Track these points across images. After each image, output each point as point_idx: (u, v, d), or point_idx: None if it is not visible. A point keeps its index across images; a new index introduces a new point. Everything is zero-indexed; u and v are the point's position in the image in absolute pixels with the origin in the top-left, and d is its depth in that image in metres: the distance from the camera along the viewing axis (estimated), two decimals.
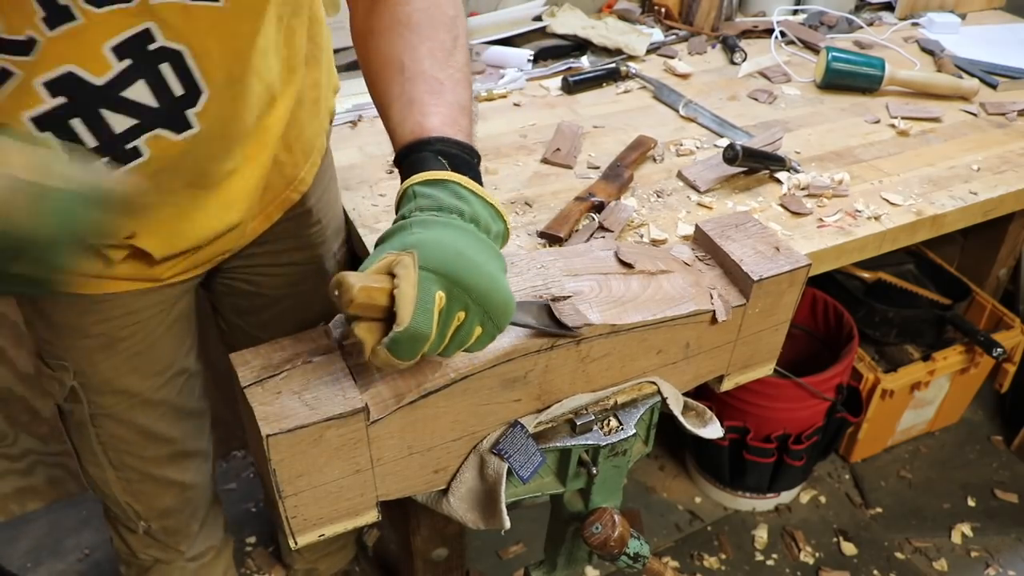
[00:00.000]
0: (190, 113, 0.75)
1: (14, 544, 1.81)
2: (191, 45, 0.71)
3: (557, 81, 1.57)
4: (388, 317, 0.63)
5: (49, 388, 1.04)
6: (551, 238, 1.10)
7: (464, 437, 0.81)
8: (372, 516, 0.80)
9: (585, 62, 1.65)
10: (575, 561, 1.07)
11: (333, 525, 0.78)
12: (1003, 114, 1.53)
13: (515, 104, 1.50)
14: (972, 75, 1.65)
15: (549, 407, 0.84)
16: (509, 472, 0.81)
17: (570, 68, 1.62)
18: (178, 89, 0.73)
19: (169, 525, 1.19)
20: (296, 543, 0.77)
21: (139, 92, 0.71)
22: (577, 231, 1.11)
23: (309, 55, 0.93)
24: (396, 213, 0.71)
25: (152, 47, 0.69)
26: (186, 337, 1.08)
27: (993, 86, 1.63)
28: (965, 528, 1.88)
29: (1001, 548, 1.85)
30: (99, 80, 0.69)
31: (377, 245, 0.68)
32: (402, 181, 0.72)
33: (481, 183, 0.72)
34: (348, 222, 1.18)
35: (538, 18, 1.75)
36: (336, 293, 0.61)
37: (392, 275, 0.63)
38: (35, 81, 0.66)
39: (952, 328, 1.89)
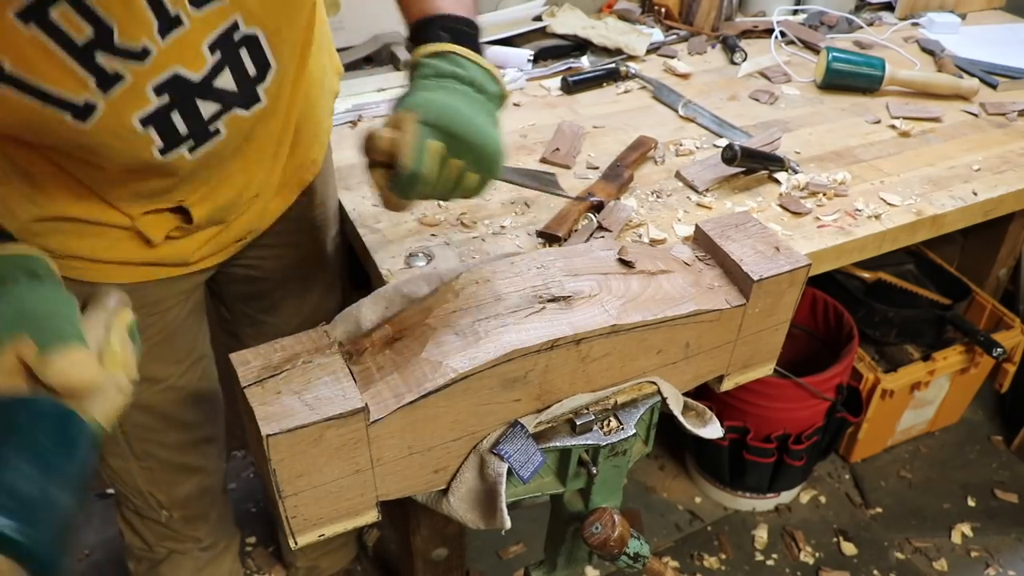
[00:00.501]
0: (260, 89, 0.81)
1: None
2: (265, 27, 0.77)
3: (557, 81, 1.57)
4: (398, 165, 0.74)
5: None
6: (550, 238, 1.10)
7: (464, 437, 0.81)
8: (372, 516, 0.80)
9: (585, 62, 1.65)
10: (575, 561, 1.07)
11: (333, 525, 0.78)
12: (1003, 114, 1.53)
13: (515, 104, 1.50)
14: (972, 75, 1.65)
15: (549, 407, 0.84)
16: (509, 472, 0.81)
17: (570, 68, 1.62)
18: (252, 70, 0.79)
19: (189, 513, 1.22)
20: (296, 543, 0.77)
21: (225, 80, 0.77)
22: (576, 231, 1.11)
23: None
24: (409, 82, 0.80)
25: (236, 36, 0.75)
26: (202, 323, 1.12)
27: (993, 86, 1.63)
28: (965, 528, 1.88)
29: (1001, 548, 1.85)
30: (197, 76, 0.74)
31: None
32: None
33: (480, 52, 0.81)
34: (348, 221, 1.18)
35: (538, 18, 1.75)
36: (364, 146, 0.73)
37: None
38: (146, 86, 0.71)
39: (952, 328, 1.88)
